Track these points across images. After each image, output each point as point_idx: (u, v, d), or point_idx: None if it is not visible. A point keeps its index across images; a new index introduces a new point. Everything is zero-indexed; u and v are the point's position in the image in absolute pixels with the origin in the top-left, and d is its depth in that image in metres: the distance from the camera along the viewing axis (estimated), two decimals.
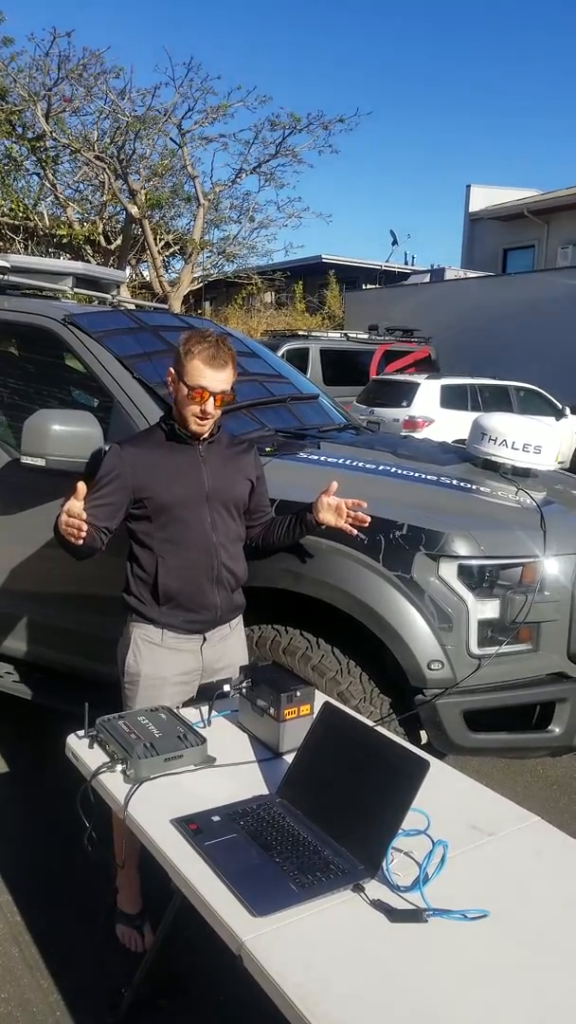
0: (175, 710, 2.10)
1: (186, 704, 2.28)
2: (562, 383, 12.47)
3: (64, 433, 2.71)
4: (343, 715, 1.79)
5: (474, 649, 2.44)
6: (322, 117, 15.82)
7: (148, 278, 17.06)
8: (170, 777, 1.83)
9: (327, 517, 2.33)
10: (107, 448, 2.48)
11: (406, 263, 24.98)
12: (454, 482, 2.86)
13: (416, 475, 2.90)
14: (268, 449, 2.96)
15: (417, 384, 10.24)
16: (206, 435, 2.27)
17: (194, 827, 1.63)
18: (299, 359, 11.26)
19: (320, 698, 2.09)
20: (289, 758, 1.87)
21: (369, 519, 2.31)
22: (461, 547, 2.44)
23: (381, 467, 2.93)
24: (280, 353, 10.34)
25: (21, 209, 15.97)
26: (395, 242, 24.90)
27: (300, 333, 13.29)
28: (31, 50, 16.55)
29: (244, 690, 2.08)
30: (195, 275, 17.22)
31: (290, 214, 17.87)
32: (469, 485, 2.85)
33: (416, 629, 2.40)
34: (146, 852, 1.68)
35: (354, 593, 2.46)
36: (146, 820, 1.67)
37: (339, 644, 2.60)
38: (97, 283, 4.10)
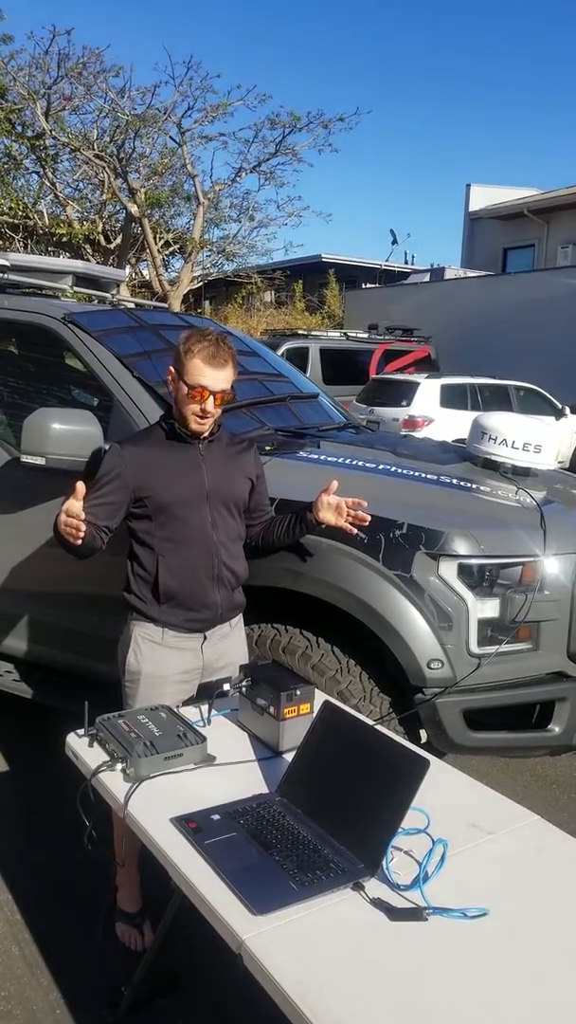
0: (175, 709, 2.10)
1: (186, 703, 2.28)
2: (562, 383, 12.47)
3: (64, 432, 2.71)
4: (343, 714, 1.80)
5: (474, 648, 2.44)
6: (322, 116, 15.86)
7: (148, 277, 17.06)
8: (170, 776, 1.84)
9: (327, 516, 2.33)
10: (107, 447, 2.48)
11: (406, 262, 24.98)
12: (454, 481, 2.86)
13: (416, 474, 2.90)
14: (268, 448, 2.96)
15: (417, 383, 10.24)
16: (206, 434, 2.27)
17: (194, 826, 1.63)
18: (299, 358, 11.27)
19: (320, 697, 2.09)
20: (289, 757, 1.87)
21: (369, 518, 2.31)
22: (461, 546, 2.44)
23: (381, 466, 2.93)
24: (280, 352, 10.32)
25: (21, 208, 15.97)
26: (395, 241, 24.91)
27: (300, 332, 13.29)
28: (31, 48, 16.51)
29: (244, 689, 2.08)
30: (195, 274, 17.23)
31: (290, 213, 17.91)
32: (469, 484, 2.85)
33: (416, 628, 2.40)
34: (146, 851, 1.68)
35: (354, 592, 2.46)
36: (146, 819, 1.68)
37: (339, 643, 2.60)
38: (97, 282, 4.10)
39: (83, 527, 1.99)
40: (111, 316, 3.45)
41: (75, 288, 3.91)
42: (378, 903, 1.44)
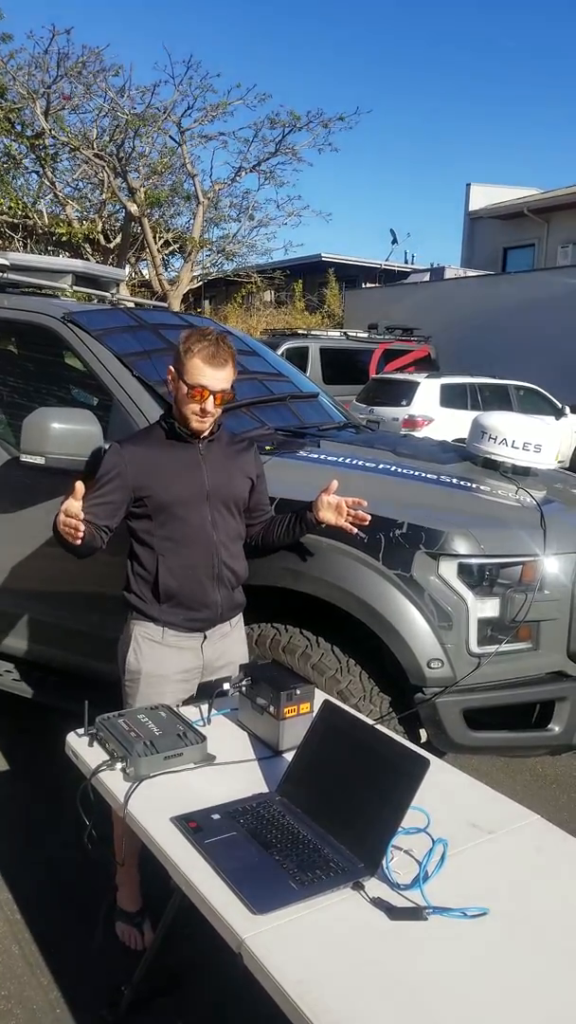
0: (175, 708, 2.10)
1: (186, 702, 2.28)
2: (562, 382, 12.47)
3: (63, 431, 2.70)
4: (343, 713, 1.80)
5: (474, 648, 2.44)
6: (322, 115, 15.84)
7: (147, 276, 17.05)
8: (170, 775, 1.84)
9: (327, 515, 2.32)
10: (107, 447, 2.48)
11: (406, 262, 24.98)
12: (454, 481, 2.85)
13: (416, 474, 2.90)
14: (268, 447, 2.96)
15: (417, 383, 10.24)
16: (206, 433, 2.27)
17: (194, 825, 1.63)
18: (299, 358, 11.26)
19: (320, 696, 2.09)
20: (289, 756, 1.87)
21: (369, 517, 2.31)
22: (461, 546, 2.44)
23: (381, 466, 2.93)
24: (280, 352, 10.33)
25: (20, 207, 15.95)
26: (395, 241, 24.90)
27: (300, 332, 13.29)
28: (30, 48, 16.50)
29: (244, 688, 2.08)
30: (194, 273, 17.22)
31: (290, 212, 17.90)
32: (469, 484, 2.85)
33: (416, 627, 2.40)
34: (146, 850, 1.68)
35: (354, 591, 2.46)
36: (146, 818, 1.68)
37: (339, 642, 2.60)
38: (96, 281, 4.10)
39: (82, 527, 1.99)
40: (111, 315, 3.45)
41: (75, 287, 3.91)
42: (378, 902, 1.44)
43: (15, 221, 16.10)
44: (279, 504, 2.58)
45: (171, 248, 17.98)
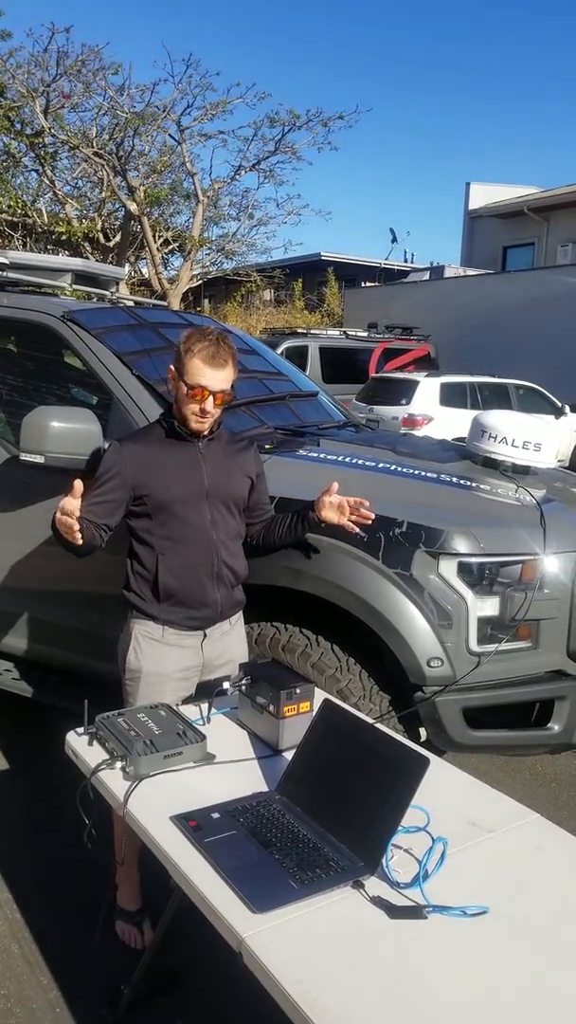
0: (175, 707, 2.10)
1: (186, 701, 2.28)
2: (561, 381, 12.47)
3: (63, 430, 2.70)
4: (343, 712, 1.79)
5: (474, 646, 2.44)
6: (321, 114, 15.83)
7: (147, 275, 17.04)
8: (170, 774, 1.83)
9: (329, 515, 2.32)
10: (107, 446, 2.48)
11: (405, 261, 24.97)
12: (454, 479, 2.85)
13: (416, 472, 2.90)
14: (268, 446, 2.96)
15: (416, 382, 10.24)
16: (205, 432, 2.26)
17: (194, 824, 1.63)
18: (298, 357, 11.26)
19: (320, 695, 2.09)
20: (288, 755, 1.87)
21: (373, 515, 2.31)
22: (461, 544, 2.44)
23: (381, 464, 2.93)
24: (279, 351, 10.32)
25: (19, 206, 15.94)
26: (394, 239, 24.89)
27: (299, 331, 13.28)
28: (29, 46, 16.47)
29: (243, 687, 2.08)
30: (194, 272, 17.21)
31: (289, 211, 17.89)
32: (469, 482, 2.85)
33: (415, 626, 2.40)
34: (146, 849, 1.68)
35: (353, 590, 2.46)
36: (146, 817, 1.67)
37: (338, 641, 2.60)
38: (96, 280, 4.09)
39: (76, 525, 1.98)
40: (110, 314, 3.44)
41: (74, 286, 3.90)
42: (378, 901, 1.44)
43: (14, 220, 16.09)
44: (279, 503, 2.58)
45: (171, 247, 17.98)
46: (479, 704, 2.47)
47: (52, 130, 15.10)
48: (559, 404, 11.20)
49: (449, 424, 9.28)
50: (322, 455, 2.99)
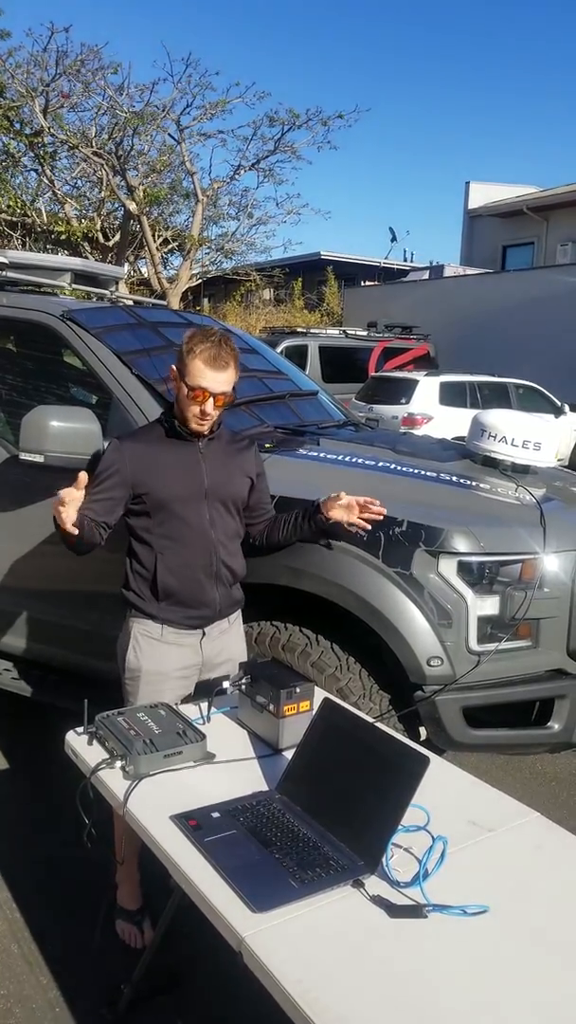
0: (174, 706, 2.10)
1: (185, 700, 2.28)
2: (561, 380, 12.47)
3: (62, 429, 2.70)
4: (343, 711, 1.79)
5: (473, 645, 2.44)
6: (320, 113, 15.82)
7: (146, 274, 17.04)
8: (169, 773, 1.83)
9: (338, 513, 2.32)
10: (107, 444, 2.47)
11: (405, 260, 24.97)
12: (454, 479, 2.85)
13: (416, 471, 2.89)
14: (268, 445, 2.95)
15: (416, 381, 10.24)
16: (206, 433, 2.26)
17: (194, 823, 1.63)
18: (298, 356, 11.26)
19: (319, 694, 2.09)
20: (288, 754, 1.87)
21: (385, 511, 2.31)
22: (461, 543, 2.44)
23: (380, 463, 2.93)
24: (279, 350, 10.32)
25: (19, 205, 15.95)
26: (394, 239, 24.88)
27: (299, 330, 13.29)
28: (29, 45, 16.46)
29: (243, 686, 2.08)
30: (194, 272, 17.20)
31: (289, 210, 17.89)
32: (469, 481, 2.85)
33: (415, 625, 2.40)
34: (146, 848, 1.68)
35: (353, 589, 2.46)
36: (145, 816, 1.67)
37: (338, 640, 2.60)
38: (95, 279, 4.09)
39: (72, 515, 1.98)
40: (110, 313, 3.44)
41: (73, 285, 3.90)
42: (378, 900, 1.44)
43: (14, 219, 16.09)
44: (279, 502, 2.57)
45: (170, 246, 17.97)
46: (479, 703, 2.47)
47: (51, 130, 15.10)
48: (559, 403, 11.20)
49: (449, 423, 9.28)
50: (322, 454, 2.99)
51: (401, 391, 10.24)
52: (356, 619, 2.48)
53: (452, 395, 10.18)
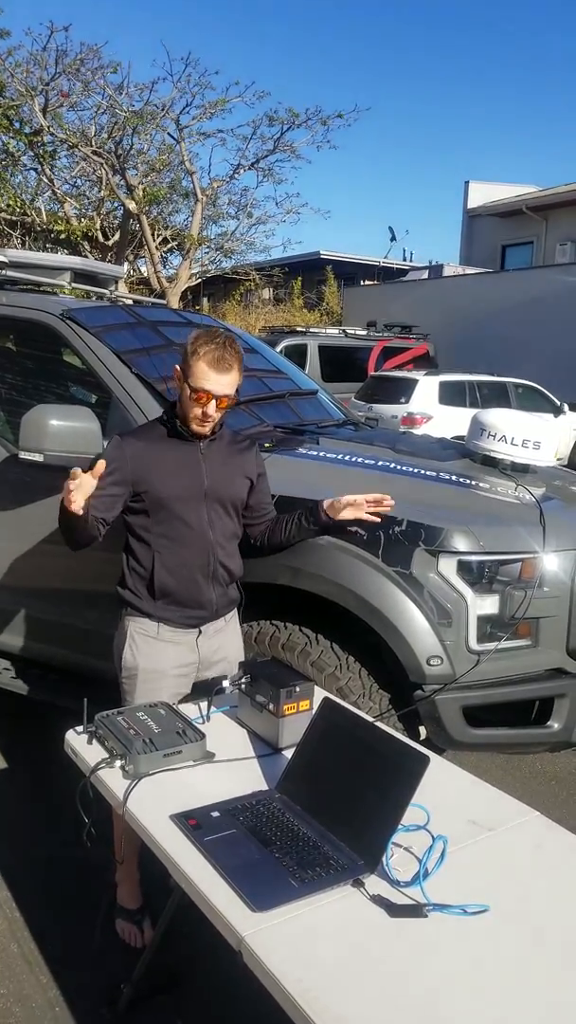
0: (174, 706, 2.10)
1: (185, 700, 2.28)
2: (560, 380, 12.47)
3: (62, 428, 2.70)
4: (343, 711, 1.79)
5: (473, 645, 2.44)
6: (320, 112, 15.82)
7: (146, 274, 17.03)
8: (169, 773, 1.83)
9: (346, 514, 2.34)
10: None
11: (404, 259, 24.98)
12: (453, 478, 2.85)
13: (415, 471, 2.89)
14: (267, 444, 2.95)
15: (415, 380, 10.24)
16: (207, 434, 2.26)
17: (193, 823, 1.63)
18: (297, 355, 11.26)
19: (319, 694, 2.09)
20: (288, 754, 1.87)
21: (394, 504, 2.30)
22: (460, 543, 2.44)
23: (380, 463, 2.92)
24: (278, 349, 10.32)
25: (18, 205, 15.94)
26: (393, 238, 24.91)
27: (298, 329, 13.27)
28: (28, 44, 16.48)
29: (243, 686, 2.08)
30: (193, 271, 17.20)
31: (288, 210, 17.90)
32: (468, 481, 2.85)
33: (415, 625, 2.40)
34: (146, 848, 1.68)
35: (353, 589, 2.45)
36: (145, 816, 1.67)
37: (338, 640, 2.60)
38: (95, 278, 4.09)
39: (81, 499, 1.97)
40: (109, 312, 3.44)
41: (73, 284, 3.90)
42: (378, 900, 1.44)
43: (13, 218, 16.09)
44: (278, 501, 2.57)
45: (170, 245, 17.97)
46: (479, 702, 2.47)
47: (51, 129, 15.10)
48: (558, 402, 11.20)
49: (448, 422, 9.28)
50: (321, 453, 2.98)
51: (401, 390, 10.23)
52: (356, 618, 2.47)
53: (451, 394, 10.18)
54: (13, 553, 3.18)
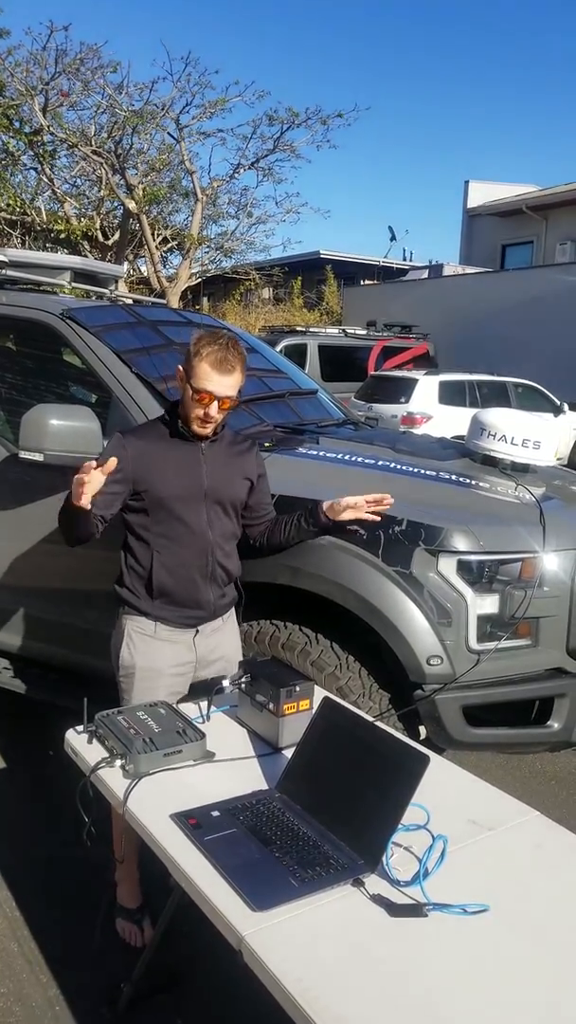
0: (174, 705, 2.10)
1: (185, 699, 2.28)
2: (560, 379, 12.47)
3: (62, 428, 2.70)
4: (343, 710, 1.79)
5: (473, 644, 2.44)
6: (320, 112, 15.82)
7: (146, 273, 17.03)
8: (169, 772, 1.83)
9: (346, 515, 2.34)
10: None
11: (404, 259, 24.96)
12: (453, 477, 2.85)
13: (415, 470, 2.89)
14: (267, 444, 2.95)
15: (415, 380, 10.24)
16: (209, 435, 2.26)
17: (193, 822, 1.63)
18: (297, 355, 11.26)
19: (319, 693, 2.09)
20: (288, 753, 1.87)
21: (393, 502, 2.30)
22: (460, 542, 2.44)
23: (380, 462, 2.92)
24: (278, 349, 10.32)
25: (18, 204, 15.94)
26: (393, 238, 24.91)
27: (298, 329, 13.27)
28: (28, 44, 16.48)
29: (243, 685, 2.08)
30: (193, 270, 17.20)
31: (288, 209, 17.90)
32: (468, 480, 2.85)
33: (415, 624, 2.40)
34: (146, 847, 1.68)
35: (353, 588, 2.45)
36: (145, 815, 1.67)
37: (338, 639, 2.60)
38: (95, 278, 4.09)
39: (86, 492, 1.96)
40: (109, 312, 3.44)
41: (73, 284, 3.90)
42: (378, 899, 1.44)
43: (13, 218, 16.09)
44: (278, 501, 2.57)
45: (169, 245, 17.97)
46: (479, 702, 2.47)
47: (51, 128, 15.09)
48: (558, 402, 11.20)
49: (448, 422, 9.28)
50: (321, 453, 2.98)
51: (400, 390, 10.23)
52: (355, 618, 2.47)
53: (451, 394, 10.18)
54: (13, 553, 3.18)
